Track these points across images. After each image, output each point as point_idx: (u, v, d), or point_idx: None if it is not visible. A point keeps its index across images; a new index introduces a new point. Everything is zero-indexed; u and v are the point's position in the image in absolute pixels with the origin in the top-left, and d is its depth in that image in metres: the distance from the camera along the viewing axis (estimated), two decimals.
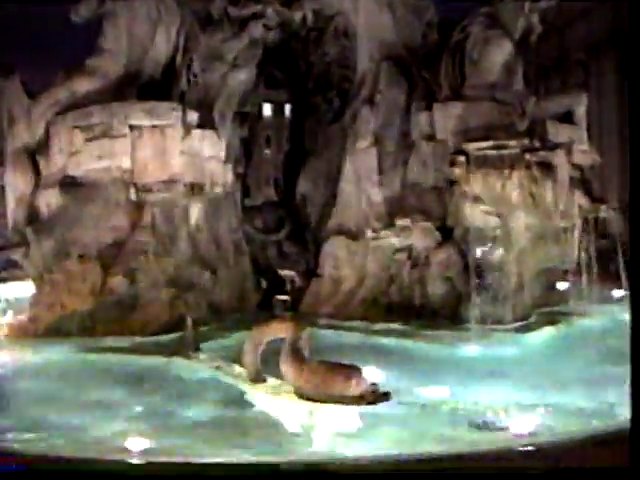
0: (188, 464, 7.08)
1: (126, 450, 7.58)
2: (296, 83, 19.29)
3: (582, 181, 16.45)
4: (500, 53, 16.30)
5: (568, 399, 10.01)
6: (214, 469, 6.96)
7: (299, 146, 19.14)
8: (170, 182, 15.08)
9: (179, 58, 16.50)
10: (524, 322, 14.76)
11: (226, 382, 10.44)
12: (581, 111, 16.89)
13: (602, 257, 17.01)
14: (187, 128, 15.38)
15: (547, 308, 15.86)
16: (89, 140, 14.95)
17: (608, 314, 15.68)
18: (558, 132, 15.88)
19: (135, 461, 7.36)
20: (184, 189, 15.27)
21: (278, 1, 17.57)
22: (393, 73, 17.04)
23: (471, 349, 13.06)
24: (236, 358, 10.35)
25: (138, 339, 13.56)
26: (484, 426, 8.94)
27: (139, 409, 9.91)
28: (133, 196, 14.97)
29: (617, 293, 17.14)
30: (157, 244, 15.12)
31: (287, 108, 20.49)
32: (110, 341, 13.40)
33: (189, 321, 12.85)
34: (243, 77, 17.55)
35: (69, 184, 15.14)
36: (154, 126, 15.04)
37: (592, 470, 6.41)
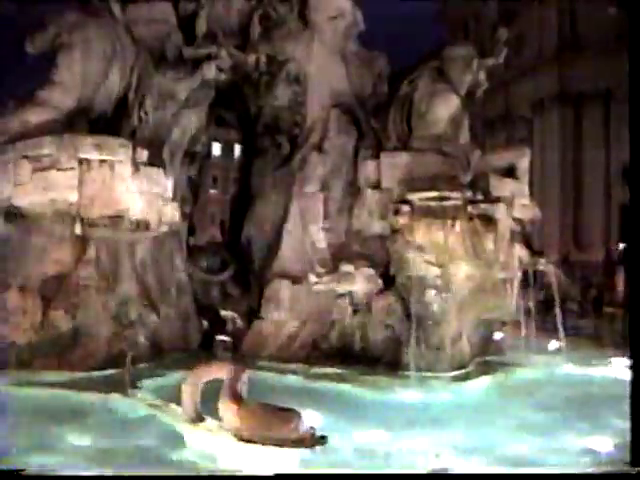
0: None
1: None
2: (246, 125, 19.41)
3: (522, 234, 16.78)
4: (447, 106, 16.67)
5: (502, 446, 10.21)
6: None
7: (246, 188, 19.20)
8: (116, 218, 14.96)
9: (132, 95, 16.51)
10: (462, 371, 14.96)
11: (163, 421, 10.41)
12: (523, 166, 17.27)
13: (540, 309, 17.37)
14: (136, 165, 15.36)
15: (485, 358, 16.13)
16: (37, 171, 14.80)
17: (544, 365, 16.03)
18: (500, 186, 16.23)
19: None
20: (130, 225, 15.24)
21: (232, 44, 17.76)
22: (342, 121, 17.37)
23: (409, 396, 13.21)
24: (175, 397, 10.34)
25: (77, 374, 13.42)
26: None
27: (73, 445, 9.82)
28: (78, 230, 14.85)
29: (553, 345, 17.51)
30: (100, 279, 15.04)
31: (236, 149, 20.45)
32: (48, 376, 13.22)
33: (128, 358, 12.79)
34: (194, 117, 17.65)
35: (14, 214, 15.00)
36: (103, 161, 14.94)
37: None
